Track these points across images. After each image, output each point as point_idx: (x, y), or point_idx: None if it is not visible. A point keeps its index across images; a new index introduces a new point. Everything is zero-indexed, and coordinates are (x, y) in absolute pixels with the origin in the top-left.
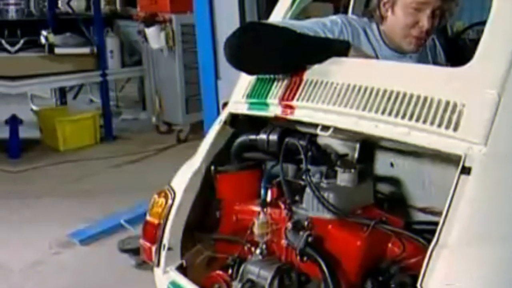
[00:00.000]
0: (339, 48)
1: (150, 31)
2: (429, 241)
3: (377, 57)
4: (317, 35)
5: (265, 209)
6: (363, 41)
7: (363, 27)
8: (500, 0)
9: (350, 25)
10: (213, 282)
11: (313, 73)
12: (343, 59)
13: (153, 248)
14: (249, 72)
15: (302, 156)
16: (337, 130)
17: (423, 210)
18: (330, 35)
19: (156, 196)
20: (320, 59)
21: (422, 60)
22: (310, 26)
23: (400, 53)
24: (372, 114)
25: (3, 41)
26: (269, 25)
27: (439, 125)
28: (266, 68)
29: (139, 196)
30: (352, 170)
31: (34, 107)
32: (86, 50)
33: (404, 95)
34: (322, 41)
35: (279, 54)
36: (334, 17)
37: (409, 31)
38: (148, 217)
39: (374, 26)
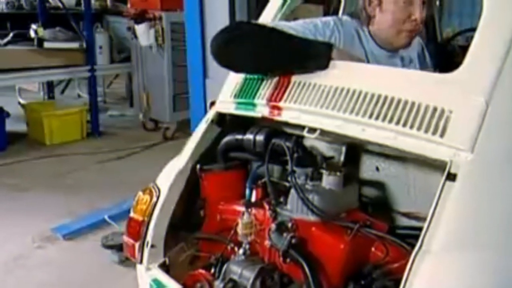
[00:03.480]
0: (319, 49)
1: (140, 28)
2: (413, 246)
3: (367, 59)
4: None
5: (249, 210)
6: (356, 44)
7: (356, 28)
8: (489, 7)
9: (343, 27)
10: (195, 281)
11: (301, 75)
12: (334, 62)
13: (137, 245)
14: (231, 69)
15: (288, 158)
16: (324, 133)
17: (407, 215)
18: (320, 38)
19: (140, 193)
20: (300, 62)
21: (412, 60)
22: (301, 28)
23: (390, 51)
24: (359, 117)
25: None
26: (253, 25)
27: (426, 131)
28: (243, 67)
29: (123, 193)
30: (338, 173)
31: (22, 101)
32: (75, 45)
33: (392, 99)
34: (302, 42)
35: (257, 54)
36: (326, 18)
37: (402, 26)
38: (132, 214)
39: (364, 27)
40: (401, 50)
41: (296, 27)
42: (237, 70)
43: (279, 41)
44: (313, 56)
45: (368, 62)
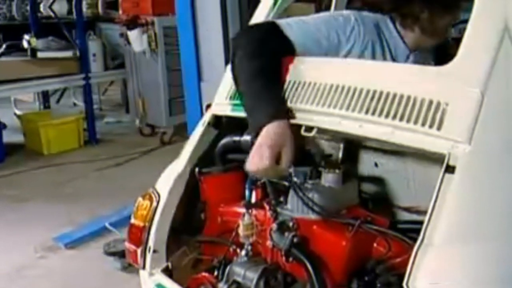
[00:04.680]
0: (255, 118)
1: (132, 34)
2: (415, 240)
3: (391, 53)
4: (330, 35)
5: (249, 211)
6: (375, 39)
7: (376, 23)
8: None
9: (363, 24)
10: (198, 284)
11: (296, 73)
12: (329, 59)
13: (139, 251)
14: None
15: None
16: (321, 131)
17: (408, 209)
18: (341, 34)
19: (140, 199)
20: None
21: (421, 57)
22: (324, 27)
23: (410, 50)
24: (356, 114)
25: None
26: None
27: (423, 124)
28: None
29: (123, 199)
30: (337, 171)
31: (18, 112)
32: (68, 53)
33: (388, 94)
34: (253, 102)
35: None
36: (347, 13)
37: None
38: (133, 220)
39: (389, 22)
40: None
41: (320, 25)
42: None
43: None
44: (250, 120)
45: (390, 52)
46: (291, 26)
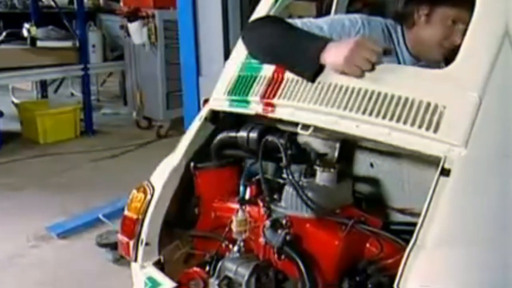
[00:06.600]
0: (309, 48)
1: (133, 26)
2: (407, 242)
3: (398, 61)
4: (331, 36)
5: (243, 207)
6: (385, 42)
7: (384, 27)
8: (482, 3)
9: (370, 28)
10: (190, 279)
11: None
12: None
13: (131, 243)
14: (251, 55)
15: (282, 155)
16: (318, 129)
17: (402, 211)
18: (344, 37)
19: (135, 191)
20: (289, 59)
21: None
22: (327, 28)
23: (416, 59)
24: (353, 114)
25: None
26: (273, 18)
27: (420, 126)
28: (253, 53)
29: (118, 191)
30: (332, 170)
31: (15, 100)
32: (68, 43)
33: (385, 95)
34: (297, 38)
35: (261, 42)
36: (354, 16)
37: (443, 43)
38: (126, 212)
39: (398, 28)
40: (423, 61)
41: (323, 25)
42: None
43: (281, 33)
44: (301, 54)
45: (398, 60)
46: (295, 23)
